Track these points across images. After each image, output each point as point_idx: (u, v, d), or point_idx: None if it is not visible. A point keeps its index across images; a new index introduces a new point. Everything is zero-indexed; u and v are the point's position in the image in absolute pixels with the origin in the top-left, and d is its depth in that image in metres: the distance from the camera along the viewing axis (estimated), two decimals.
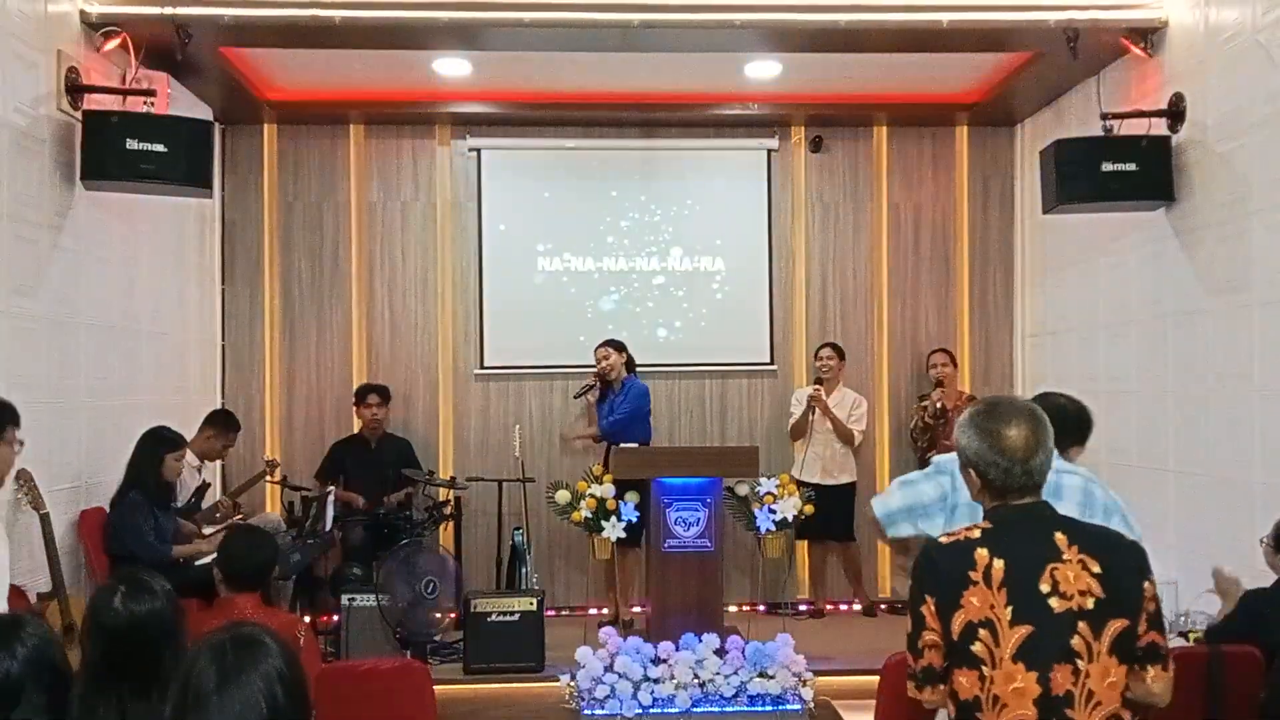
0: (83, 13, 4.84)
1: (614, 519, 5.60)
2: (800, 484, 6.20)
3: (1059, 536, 2.08)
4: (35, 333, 4.42)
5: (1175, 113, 5.00)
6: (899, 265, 7.03)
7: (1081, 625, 2.00)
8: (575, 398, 6.46)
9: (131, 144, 4.64)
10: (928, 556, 2.14)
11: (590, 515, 5.64)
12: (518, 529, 6.28)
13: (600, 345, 6.31)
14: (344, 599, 5.29)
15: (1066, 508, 2.69)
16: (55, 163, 4.59)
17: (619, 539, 5.65)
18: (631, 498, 5.66)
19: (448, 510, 6.21)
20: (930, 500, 2.74)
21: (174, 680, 1.73)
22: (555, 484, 5.95)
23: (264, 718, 1.65)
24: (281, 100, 6.50)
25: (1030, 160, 6.50)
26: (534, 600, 5.33)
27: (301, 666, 1.78)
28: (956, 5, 5.18)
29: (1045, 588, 2.02)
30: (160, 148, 4.68)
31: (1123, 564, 2.07)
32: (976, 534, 2.11)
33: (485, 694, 5.04)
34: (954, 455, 2.84)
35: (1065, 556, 2.05)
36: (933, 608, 2.07)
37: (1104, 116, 5.18)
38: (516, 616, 5.27)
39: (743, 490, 5.80)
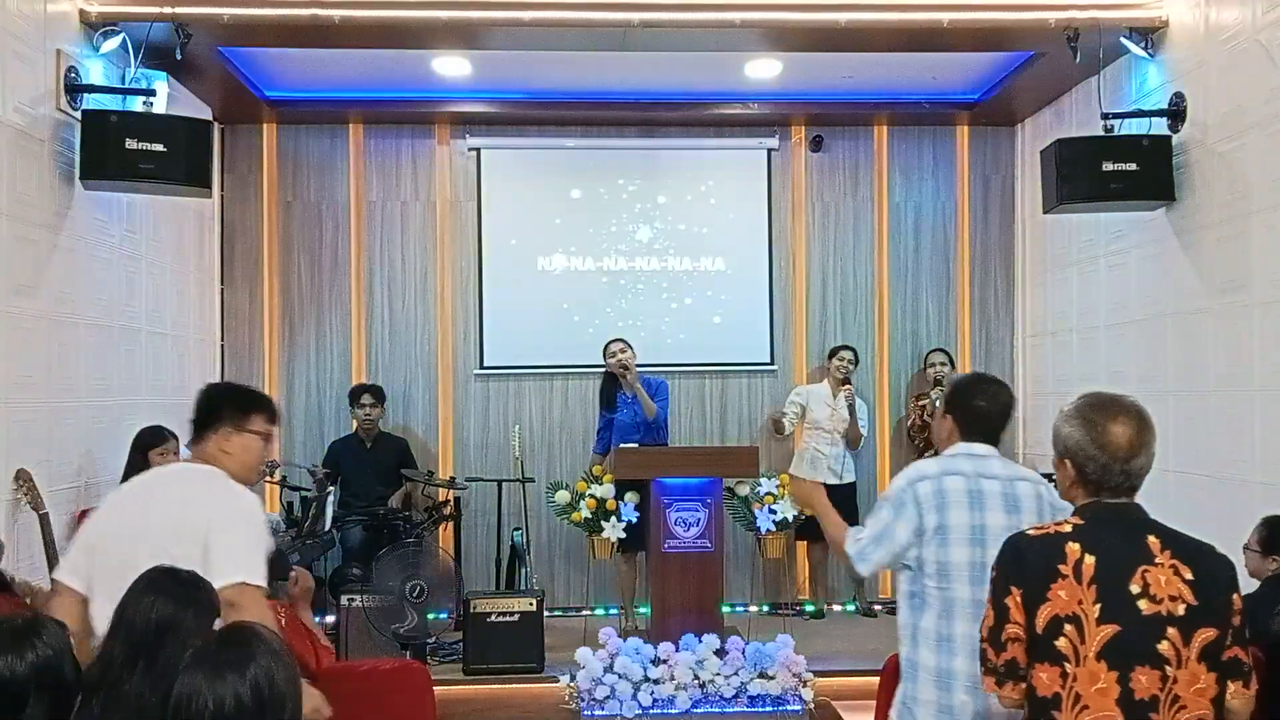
0: (82, 12, 4.83)
1: (614, 519, 5.60)
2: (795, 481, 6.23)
3: (1152, 539, 2.04)
4: (35, 333, 4.41)
5: (1176, 112, 5.00)
6: (899, 265, 7.02)
7: (1171, 630, 1.97)
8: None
9: (131, 144, 4.63)
10: (1014, 547, 2.08)
11: (590, 516, 5.64)
12: (517, 529, 6.27)
13: (618, 340, 6.08)
14: (343, 599, 5.28)
15: (1027, 517, 2.65)
16: (55, 162, 4.58)
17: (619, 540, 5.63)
18: (631, 498, 5.66)
19: (447, 510, 6.20)
20: (906, 542, 2.70)
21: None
22: (555, 484, 5.95)
23: (249, 714, 1.66)
24: (281, 100, 6.50)
25: (1030, 160, 6.50)
26: (534, 600, 5.32)
27: (291, 667, 1.78)
28: (956, 5, 5.17)
29: (1135, 589, 1.98)
30: (159, 147, 4.68)
31: (1215, 574, 2.03)
32: (1067, 528, 2.06)
33: (485, 694, 5.04)
34: (907, 480, 2.74)
35: (1157, 560, 2.01)
36: (1019, 599, 2.02)
37: (1104, 116, 5.18)
38: (516, 617, 5.26)
39: (743, 490, 5.80)
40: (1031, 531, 2.11)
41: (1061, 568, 2.00)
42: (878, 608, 6.64)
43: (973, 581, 2.61)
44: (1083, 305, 6.07)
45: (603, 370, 6.11)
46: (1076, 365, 6.15)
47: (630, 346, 6.07)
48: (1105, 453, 2.06)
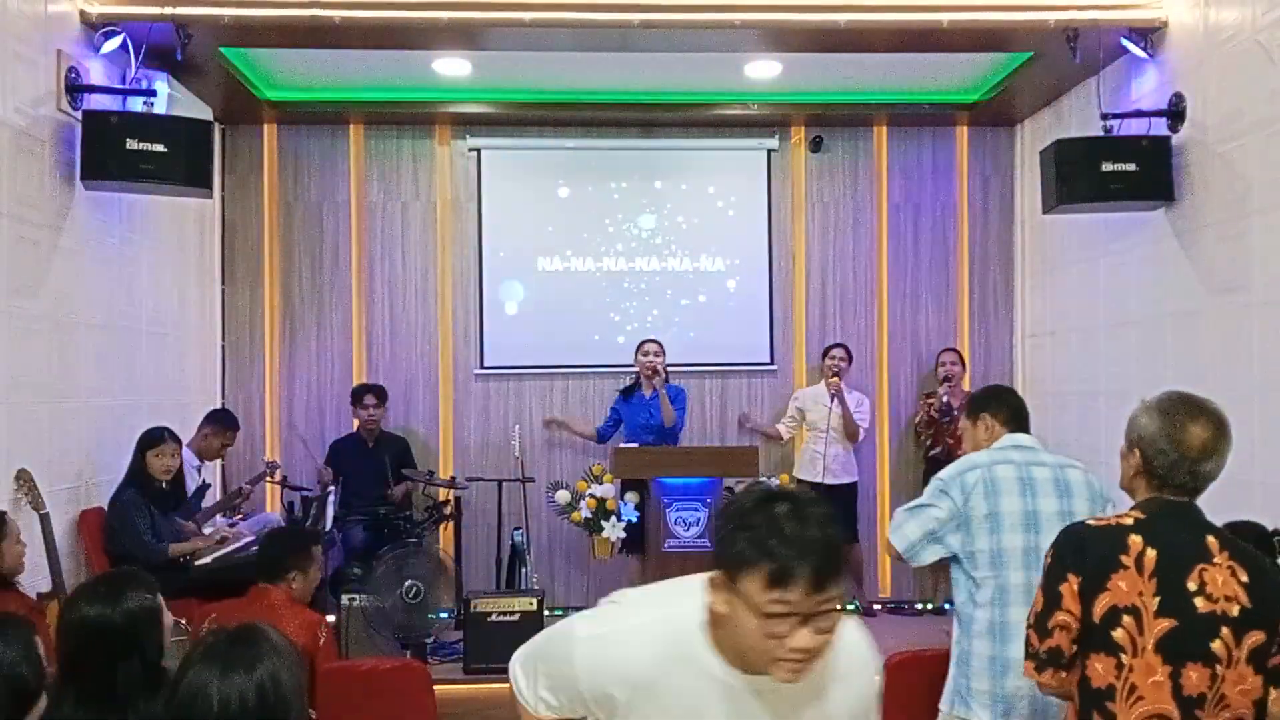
0: (83, 12, 4.83)
1: (614, 519, 5.60)
2: (799, 483, 6.23)
3: (1210, 540, 2.05)
4: (35, 333, 4.42)
5: (1175, 113, 5.00)
6: (899, 265, 7.02)
7: (1225, 630, 1.97)
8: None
9: (131, 144, 4.63)
10: (1075, 536, 2.08)
11: (590, 515, 5.64)
12: (518, 529, 6.28)
13: (653, 341, 6.27)
14: (344, 599, 5.29)
15: (1079, 502, 2.72)
16: (55, 163, 4.59)
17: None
18: (631, 498, 5.67)
19: (448, 510, 6.20)
20: (944, 519, 2.77)
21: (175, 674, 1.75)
22: (555, 484, 5.95)
23: (252, 714, 1.66)
24: (281, 100, 6.51)
25: (1030, 160, 6.50)
26: (534, 600, 5.33)
27: (297, 669, 1.78)
28: (956, 5, 5.17)
29: (1193, 586, 1.99)
30: (160, 148, 4.68)
31: (1267, 579, 2.05)
32: (1129, 521, 2.07)
33: (485, 694, 5.04)
34: (955, 470, 2.82)
35: (1215, 560, 2.02)
36: (1075, 588, 2.02)
37: (1104, 116, 5.19)
38: (516, 616, 5.26)
39: None
40: (1093, 522, 2.12)
41: (1123, 558, 2.01)
42: (877, 607, 6.64)
43: (1026, 566, 2.66)
44: (1082, 305, 6.07)
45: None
46: (1076, 365, 6.15)
47: (664, 350, 6.20)
48: (1177, 449, 2.08)
